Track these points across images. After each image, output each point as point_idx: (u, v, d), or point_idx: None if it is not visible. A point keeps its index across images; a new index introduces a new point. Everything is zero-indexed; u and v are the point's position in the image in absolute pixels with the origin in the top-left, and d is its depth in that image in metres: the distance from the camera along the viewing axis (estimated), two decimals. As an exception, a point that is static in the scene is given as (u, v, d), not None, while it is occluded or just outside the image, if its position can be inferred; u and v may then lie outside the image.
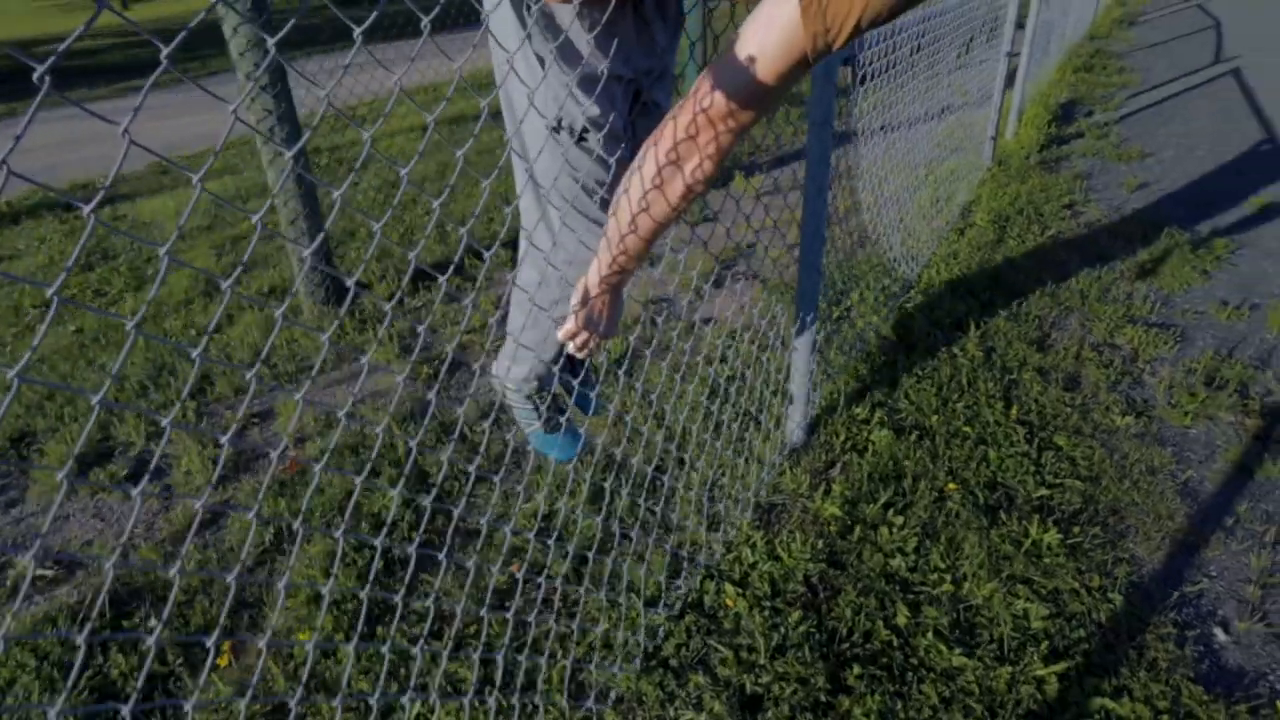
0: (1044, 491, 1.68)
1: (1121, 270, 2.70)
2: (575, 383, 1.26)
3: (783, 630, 1.38)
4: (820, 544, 1.58)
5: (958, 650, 1.32)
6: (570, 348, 0.97)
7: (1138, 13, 9.54)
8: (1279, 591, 1.44)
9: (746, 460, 1.75)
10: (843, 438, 1.90)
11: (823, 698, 1.26)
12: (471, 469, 0.86)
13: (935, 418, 1.94)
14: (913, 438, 1.88)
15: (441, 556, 0.85)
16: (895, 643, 1.36)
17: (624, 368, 2.21)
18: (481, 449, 0.96)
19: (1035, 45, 4.28)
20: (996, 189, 3.54)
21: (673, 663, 1.34)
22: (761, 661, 1.33)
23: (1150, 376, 2.12)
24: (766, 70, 0.69)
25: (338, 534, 0.69)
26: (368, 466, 0.84)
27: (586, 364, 1.41)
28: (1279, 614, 1.40)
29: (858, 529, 1.60)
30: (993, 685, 1.26)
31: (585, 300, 0.92)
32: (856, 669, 1.31)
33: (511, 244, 2.92)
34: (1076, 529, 1.57)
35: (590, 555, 1.38)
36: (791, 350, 1.78)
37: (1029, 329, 2.34)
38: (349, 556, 1.61)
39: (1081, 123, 4.66)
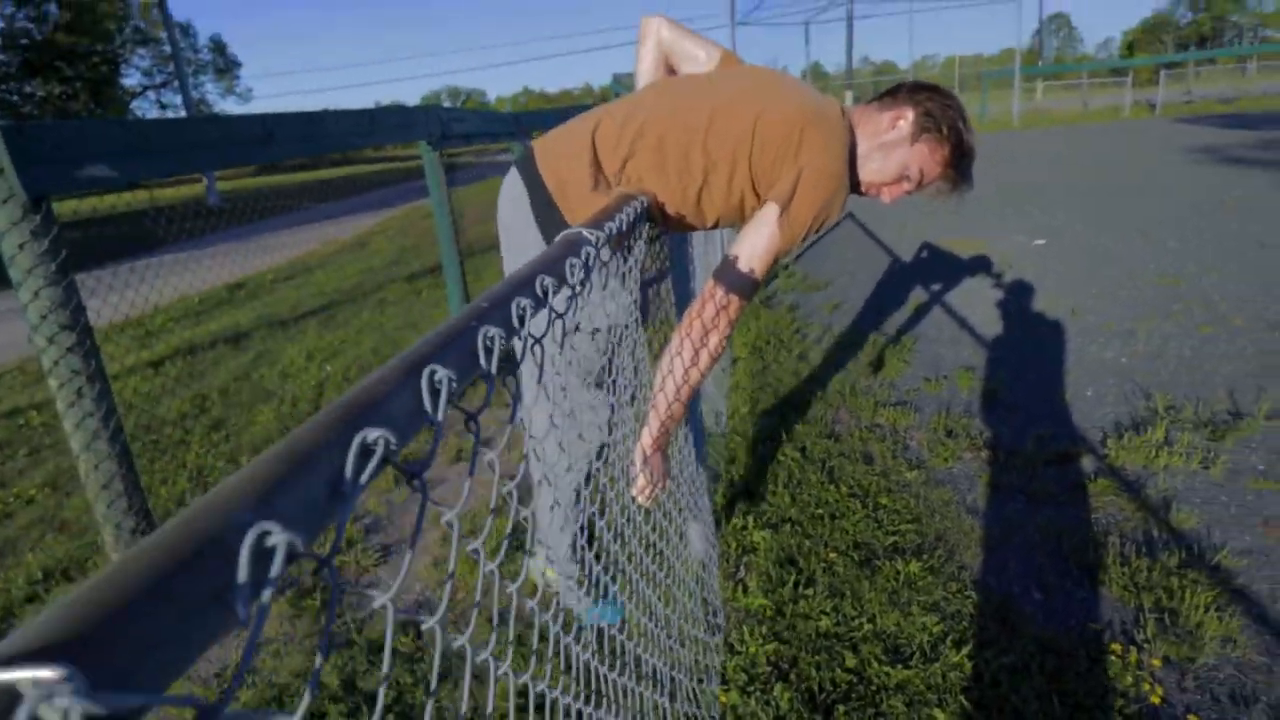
0: (892, 539, 2.23)
1: (857, 370, 3.59)
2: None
3: (774, 703, 1.68)
4: (763, 629, 1.93)
5: (899, 666, 1.74)
6: (641, 500, 1.26)
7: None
8: (1055, 558, 2.10)
9: (675, 584, 2.06)
10: (734, 545, 2.30)
11: (829, 738, 1.58)
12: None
13: (794, 509, 2.44)
14: (786, 529, 2.35)
15: None
16: (855, 680, 1.73)
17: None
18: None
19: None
20: (742, 327, 4.42)
21: (706, 761, 1.56)
22: (773, 730, 1.61)
23: (912, 440, 2.87)
24: (758, 273, 1.15)
25: None
26: None
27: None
28: (1056, 573, 2.04)
29: (784, 609, 1.98)
30: (932, 680, 1.69)
31: (644, 461, 1.24)
32: (841, 709, 1.65)
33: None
34: (925, 556, 2.13)
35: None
36: (681, 486, 2.18)
37: (820, 426, 3.01)
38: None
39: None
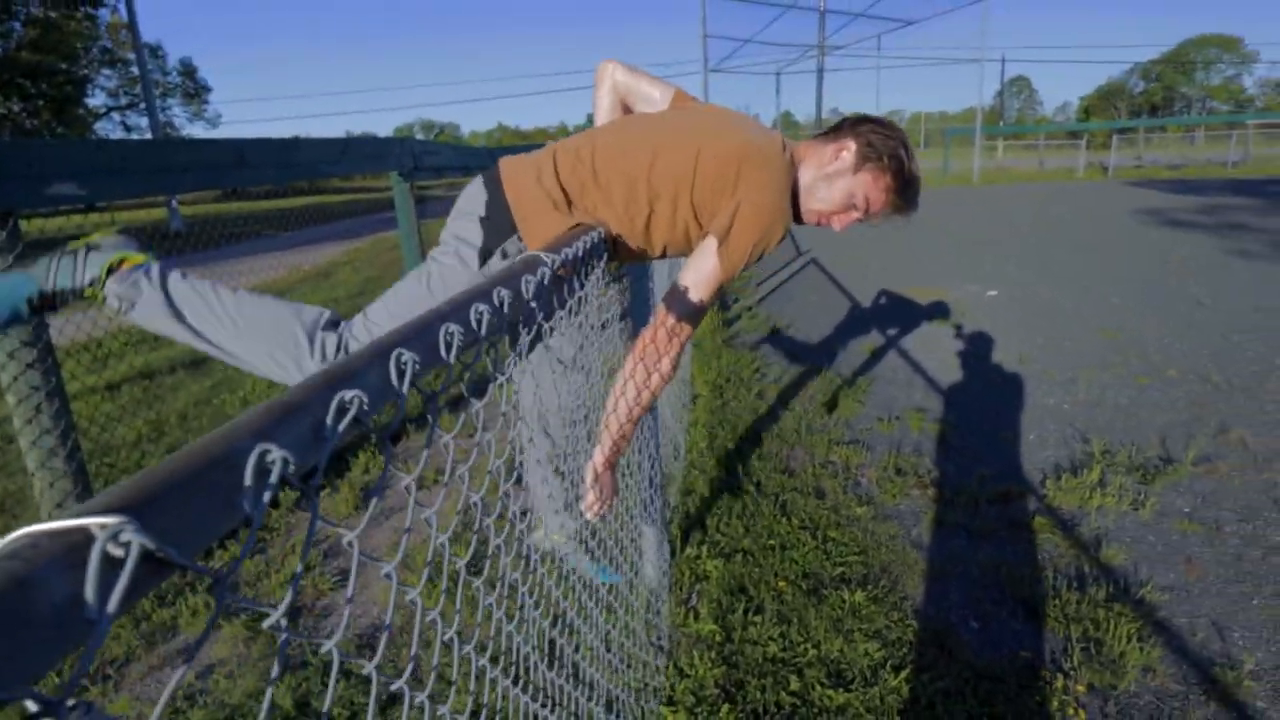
0: (839, 569, 2.30)
1: (813, 409, 3.70)
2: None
3: (719, 725, 1.73)
4: (712, 654, 1.97)
5: (840, 690, 1.79)
6: (590, 515, 1.32)
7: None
8: (992, 590, 2.19)
9: (624, 610, 2.10)
10: (687, 573, 2.35)
11: (771, 759, 1.62)
12: None
13: (747, 540, 2.50)
14: (738, 559, 2.41)
15: None
16: (798, 703, 1.78)
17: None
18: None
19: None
20: (704, 365, 4.52)
21: (651, 781, 1.59)
22: (717, 752, 1.65)
23: (862, 477, 2.97)
24: (704, 300, 1.24)
25: None
26: None
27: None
28: (993, 604, 2.13)
29: (734, 635, 2.03)
30: (871, 703, 1.75)
31: (595, 478, 1.30)
32: (783, 730, 1.70)
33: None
34: (870, 587, 2.20)
35: None
36: (637, 519, 2.23)
37: (776, 462, 3.10)
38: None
39: (736, 308, 6.10)
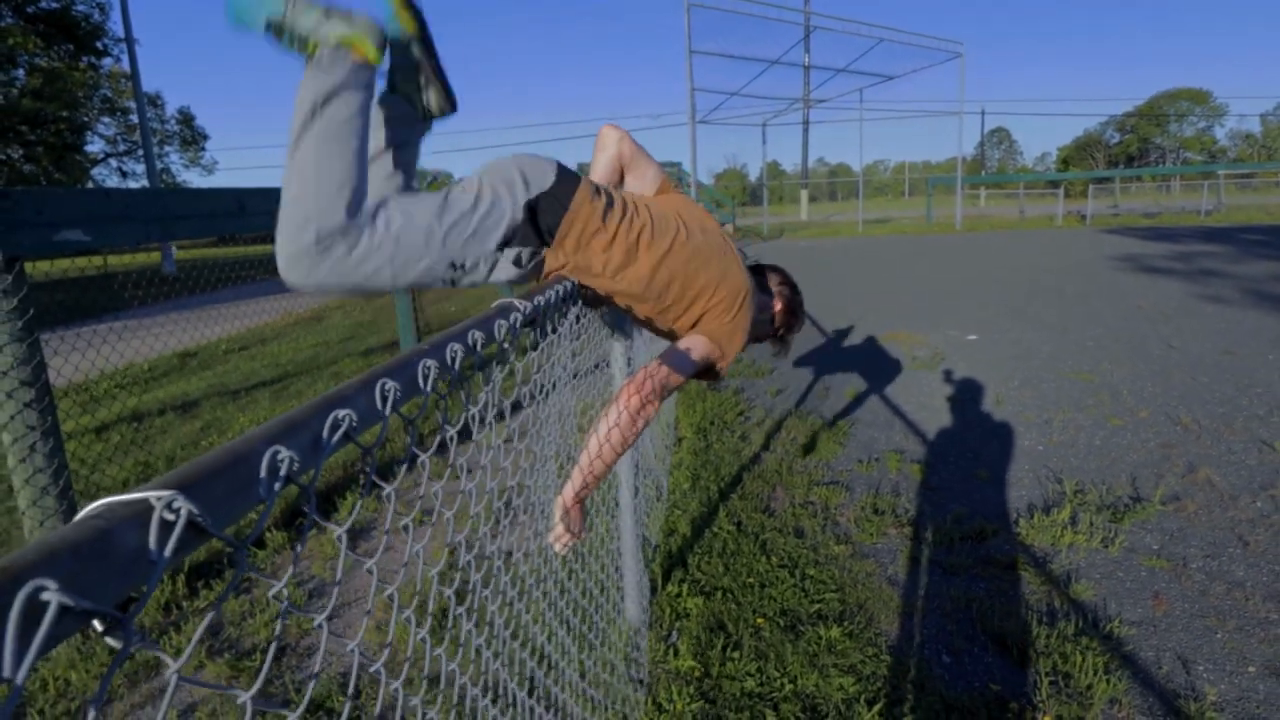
0: (817, 606, 2.35)
1: (794, 450, 3.77)
2: None
3: (696, 758, 1.76)
4: (690, 689, 2.01)
5: (814, 723, 1.84)
6: (558, 548, 1.38)
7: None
8: (965, 625, 2.24)
9: (604, 646, 2.14)
10: (668, 611, 2.40)
11: (745, 791, 1.66)
12: None
13: (726, 578, 2.55)
14: (718, 596, 2.45)
15: None
16: (773, 736, 1.82)
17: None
18: None
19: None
20: (689, 409, 4.60)
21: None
22: (692, 785, 1.68)
23: (841, 517, 3.03)
24: (690, 370, 1.35)
25: None
26: None
27: None
28: (965, 638, 2.18)
29: (712, 670, 2.08)
30: (844, 736, 1.79)
31: (564, 512, 1.37)
32: (758, 763, 1.73)
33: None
34: (846, 623, 2.25)
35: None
36: (623, 557, 2.29)
37: (756, 502, 3.16)
38: None
39: (723, 353, 6.21)
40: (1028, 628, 2.20)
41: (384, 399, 0.50)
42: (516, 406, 2.92)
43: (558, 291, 1.07)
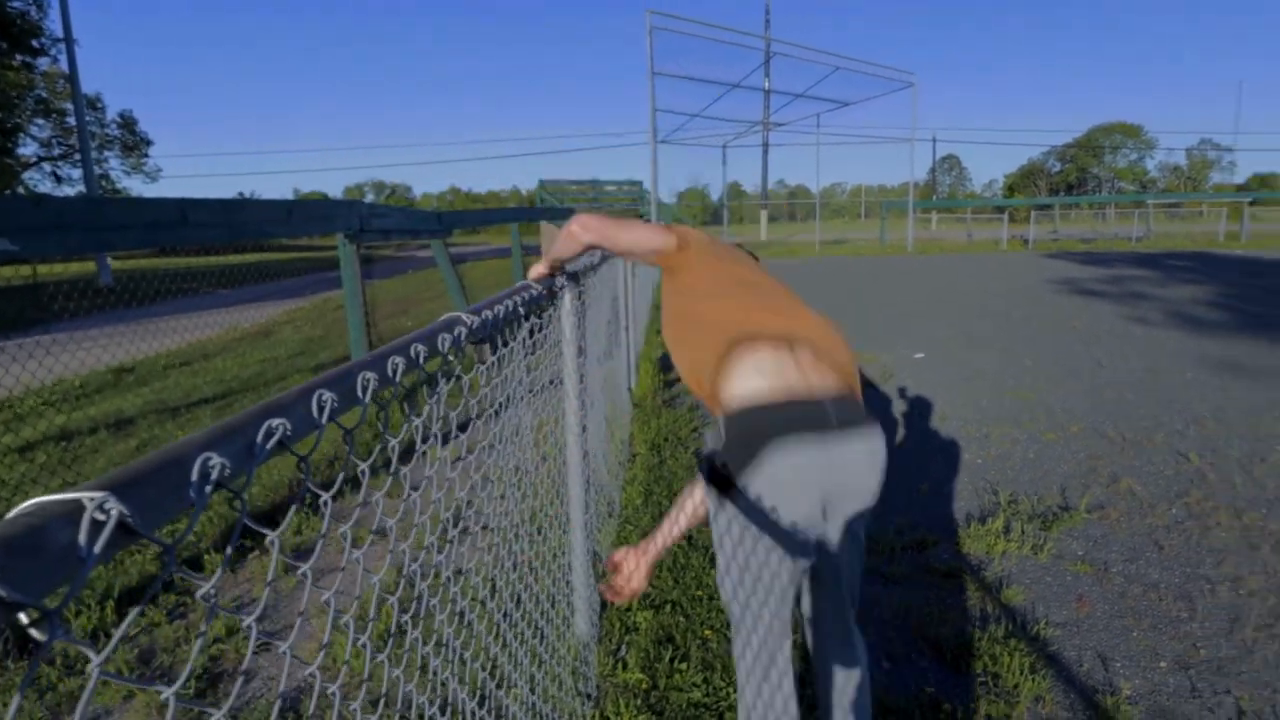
0: (762, 617, 2.39)
1: (744, 465, 3.83)
2: None
3: (641, 769, 1.78)
4: (637, 701, 2.03)
5: (757, 732, 1.87)
6: (609, 596, 1.43)
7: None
8: (903, 631, 2.31)
9: (553, 660, 2.14)
10: (618, 625, 2.41)
11: (689, 801, 1.68)
12: None
13: (676, 591, 2.58)
14: (667, 610, 2.48)
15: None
16: (718, 746, 1.85)
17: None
18: None
19: (633, 320, 5.82)
20: (643, 424, 4.63)
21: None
22: (637, 796, 1.70)
23: (788, 529, 3.09)
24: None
25: None
26: None
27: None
28: (903, 644, 2.25)
29: (660, 682, 2.10)
30: (786, 743, 1.82)
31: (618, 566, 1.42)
32: (702, 772, 1.76)
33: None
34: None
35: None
36: (573, 572, 2.30)
37: (706, 516, 3.20)
38: None
39: (678, 371, 6.27)
40: (962, 632, 2.28)
41: (320, 409, 0.52)
42: (465, 424, 2.91)
43: (506, 306, 1.10)
